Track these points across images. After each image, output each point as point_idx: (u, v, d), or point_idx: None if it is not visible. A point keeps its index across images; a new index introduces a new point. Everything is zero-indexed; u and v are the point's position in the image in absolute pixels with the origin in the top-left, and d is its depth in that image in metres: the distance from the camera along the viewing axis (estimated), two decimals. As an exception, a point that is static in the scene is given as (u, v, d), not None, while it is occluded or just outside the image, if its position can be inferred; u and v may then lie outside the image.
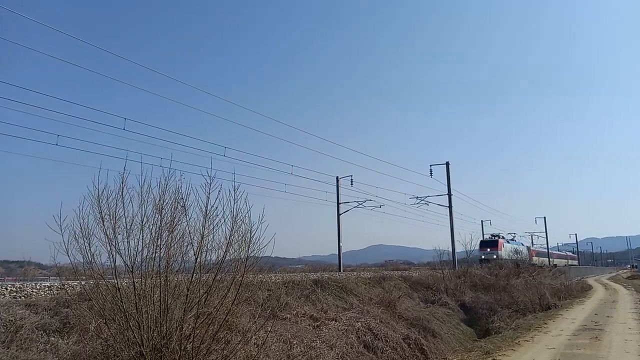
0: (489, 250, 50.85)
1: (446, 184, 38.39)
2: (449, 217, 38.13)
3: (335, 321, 12.25)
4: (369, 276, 21.94)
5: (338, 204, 37.38)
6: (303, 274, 19.02)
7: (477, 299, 23.41)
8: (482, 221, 64.25)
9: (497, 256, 49.33)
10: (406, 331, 13.88)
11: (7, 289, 9.10)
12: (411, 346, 12.80)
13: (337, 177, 38.09)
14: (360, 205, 36.90)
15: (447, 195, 38.16)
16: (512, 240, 60.65)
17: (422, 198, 39.25)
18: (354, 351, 10.95)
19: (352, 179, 36.97)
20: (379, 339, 12.07)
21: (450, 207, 38.15)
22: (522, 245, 61.79)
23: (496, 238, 54.19)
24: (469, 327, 19.76)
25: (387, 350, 11.82)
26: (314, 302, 14.34)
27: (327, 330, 11.30)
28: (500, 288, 26.70)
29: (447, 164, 38.70)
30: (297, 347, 9.10)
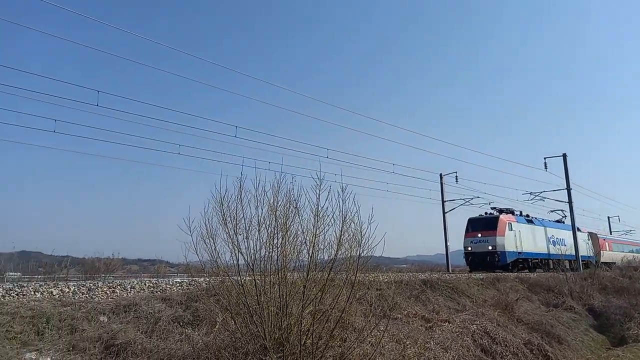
0: (479, 236, 28.65)
1: (564, 177, 35.17)
2: (569, 214, 34.95)
3: (448, 323, 11.86)
4: (482, 277, 20.90)
5: (443, 202, 36.20)
6: (411, 274, 18.71)
7: (608, 304, 21.17)
8: (608, 217, 56.76)
9: (495, 247, 27.89)
10: (527, 336, 12.97)
11: (146, 285, 10.21)
12: (534, 352, 11.93)
13: (440, 174, 36.92)
14: (467, 203, 35.24)
15: (565, 190, 34.98)
16: (550, 220, 36.48)
17: (537, 194, 36.34)
18: (470, 354, 10.51)
19: (456, 176, 35.48)
20: (497, 343, 11.44)
21: (570, 202, 34.92)
22: (579, 231, 35.35)
23: (496, 214, 29.87)
24: (600, 334, 17.89)
25: (507, 356, 11.16)
26: (424, 303, 14.02)
27: (440, 332, 10.98)
28: (636, 292, 23.81)
29: (564, 155, 35.49)
30: (410, 347, 8.97)
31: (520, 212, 33.32)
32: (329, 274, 6.83)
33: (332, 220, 7.79)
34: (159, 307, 9.07)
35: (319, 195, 7.20)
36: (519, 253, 29.29)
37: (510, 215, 30.90)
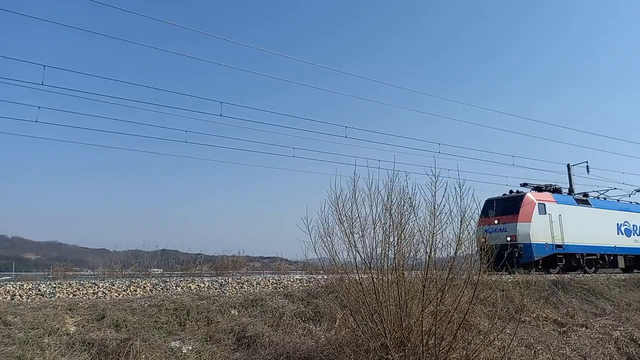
0: (495, 223, 20.01)
1: None
2: None
3: (586, 328, 10.76)
4: (623, 277, 18.57)
5: (571, 194, 32.84)
6: (538, 273, 17.30)
7: None
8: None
9: (515, 237, 19.51)
10: (686, 346, 11.22)
11: (269, 281, 10.83)
12: (696, 365, 10.28)
13: (568, 165, 33.56)
14: (602, 195, 31.41)
15: None
16: (593, 197, 25.14)
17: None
18: (614, 364, 9.42)
19: (587, 166, 31.96)
20: (647, 353, 10.08)
21: None
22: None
23: (521, 192, 21.18)
24: None
25: (660, 368, 9.78)
26: (555, 305, 12.87)
27: (576, 338, 10.00)
28: None
29: None
30: (542, 353, 8.32)
31: (571, 190, 23.51)
32: (448, 274, 6.61)
33: (449, 218, 7.55)
34: (282, 303, 9.57)
35: (434, 193, 7.00)
36: (558, 246, 19.86)
37: (546, 193, 21.07)
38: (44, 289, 8.31)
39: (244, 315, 8.94)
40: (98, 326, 7.46)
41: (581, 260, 21.02)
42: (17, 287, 8.21)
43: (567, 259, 20.60)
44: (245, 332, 8.16)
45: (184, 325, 8.18)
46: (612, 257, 22.49)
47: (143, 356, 6.99)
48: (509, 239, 19.42)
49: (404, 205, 7.97)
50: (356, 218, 7.08)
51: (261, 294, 9.80)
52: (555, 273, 19.04)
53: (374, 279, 6.69)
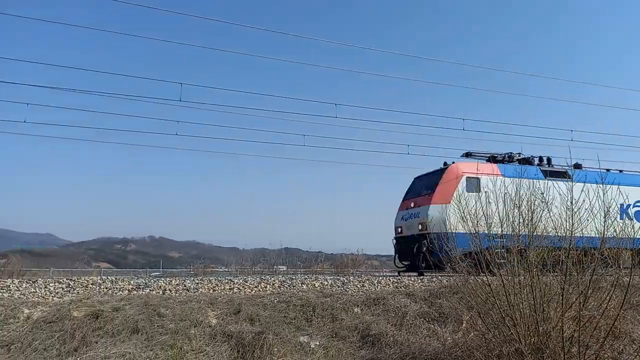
0: (412, 206, 14.44)
1: None
2: None
3: None
4: None
5: None
6: None
7: None
8: None
9: (426, 225, 13.04)
10: None
11: (390, 280, 10.81)
12: None
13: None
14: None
15: None
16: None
17: None
18: None
19: None
20: None
21: None
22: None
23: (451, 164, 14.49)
24: None
25: None
26: None
27: None
28: None
29: None
30: None
31: (544, 160, 15.70)
32: (592, 276, 5.97)
33: (589, 214, 6.81)
34: (404, 302, 9.48)
35: (571, 187, 6.38)
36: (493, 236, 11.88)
37: (487, 164, 14.63)
38: (189, 285, 9.29)
39: (367, 313, 9.04)
40: (235, 319, 8.13)
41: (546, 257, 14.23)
42: (167, 283, 9.29)
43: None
44: (369, 330, 8.24)
45: (310, 321, 8.53)
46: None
47: (275, 349, 7.44)
48: (420, 227, 13.56)
49: (534, 200, 7.41)
50: (481, 216, 6.73)
51: (382, 293, 9.81)
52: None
53: (504, 280, 6.30)
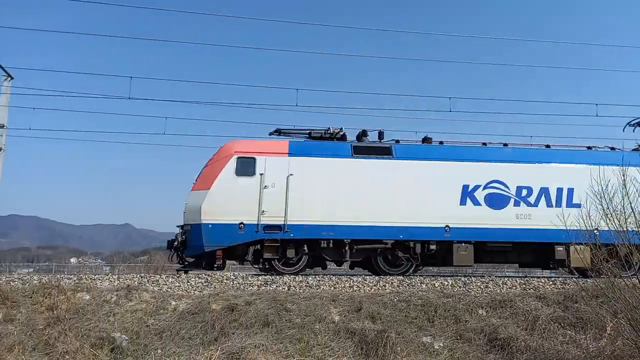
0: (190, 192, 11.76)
1: None
2: None
3: None
4: None
5: None
6: None
7: None
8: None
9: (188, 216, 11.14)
10: None
11: (517, 282, 10.17)
12: None
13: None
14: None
15: None
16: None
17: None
18: None
19: None
20: None
21: None
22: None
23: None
24: None
25: None
26: None
27: None
28: None
29: None
30: None
31: (363, 133, 12.78)
32: None
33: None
34: (535, 305, 8.85)
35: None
36: (272, 228, 11.10)
37: (275, 141, 12.26)
38: (311, 282, 9.68)
39: (493, 315, 8.61)
40: (357, 317, 8.29)
41: (346, 249, 11.25)
42: (291, 280, 9.79)
43: (299, 247, 11.17)
44: (496, 334, 7.85)
45: (432, 321, 8.37)
46: (434, 245, 11.55)
47: (399, 348, 7.45)
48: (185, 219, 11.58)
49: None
50: (630, 214, 6.04)
51: (509, 295, 9.27)
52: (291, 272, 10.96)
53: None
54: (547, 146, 12.84)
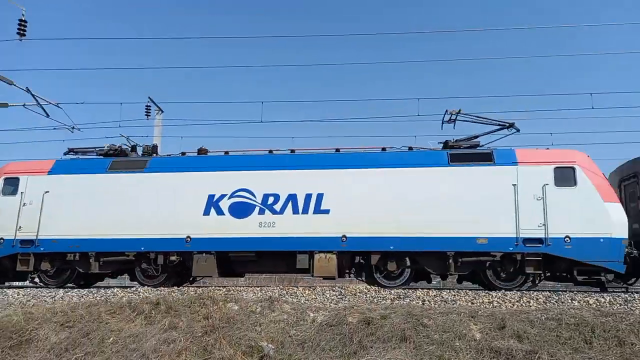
0: None
1: None
2: None
3: None
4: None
5: None
6: None
7: None
8: None
9: None
10: None
11: (695, 299, 8.71)
12: None
13: None
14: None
15: None
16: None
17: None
18: None
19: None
20: None
21: None
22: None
23: None
24: None
25: None
26: None
27: None
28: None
29: None
30: None
31: (132, 148, 13.76)
32: None
33: None
34: None
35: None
36: (26, 242, 12.23)
37: (46, 162, 13.06)
38: (446, 297, 9.38)
39: (668, 339, 7.45)
40: (500, 335, 7.79)
41: (92, 261, 12.05)
42: (425, 294, 9.60)
43: (40, 262, 12.35)
44: (674, 361, 6.79)
45: (590, 343, 7.54)
46: (175, 257, 11.84)
47: (552, 371, 6.83)
48: None
49: None
50: None
51: (686, 315, 7.97)
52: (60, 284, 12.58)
53: None
54: (337, 150, 12.39)
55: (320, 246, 10.90)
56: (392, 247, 11.01)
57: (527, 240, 10.55)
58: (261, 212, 11.60)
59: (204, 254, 11.65)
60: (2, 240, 12.43)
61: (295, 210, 11.48)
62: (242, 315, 8.94)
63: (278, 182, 11.71)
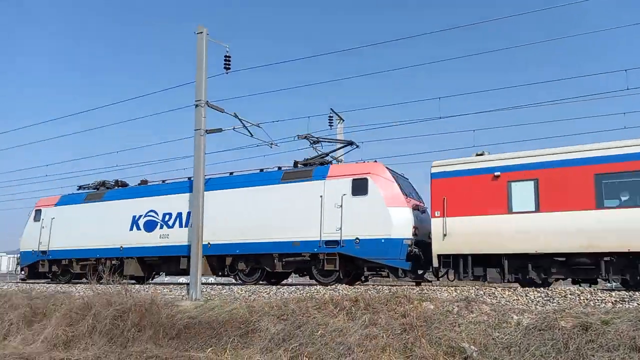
0: None
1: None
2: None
3: None
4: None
5: None
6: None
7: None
8: None
9: None
10: None
11: None
12: None
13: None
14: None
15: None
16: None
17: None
18: None
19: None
20: None
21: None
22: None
23: None
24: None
25: None
26: None
27: None
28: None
29: None
30: None
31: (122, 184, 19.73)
32: None
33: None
34: None
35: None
36: (43, 252, 18.99)
37: (56, 197, 20.06)
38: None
39: None
40: None
41: (74, 265, 18.08)
42: None
43: (51, 265, 18.91)
44: None
45: None
46: (115, 261, 17.03)
47: None
48: None
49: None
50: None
51: None
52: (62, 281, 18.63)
53: None
54: (230, 173, 15.61)
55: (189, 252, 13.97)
56: (238, 251, 14.25)
57: (327, 243, 12.77)
58: (161, 227, 15.89)
59: (131, 258, 16.33)
60: (33, 252, 18.84)
61: (180, 224, 15.42)
62: (438, 314, 8.83)
63: (172, 204, 15.78)
